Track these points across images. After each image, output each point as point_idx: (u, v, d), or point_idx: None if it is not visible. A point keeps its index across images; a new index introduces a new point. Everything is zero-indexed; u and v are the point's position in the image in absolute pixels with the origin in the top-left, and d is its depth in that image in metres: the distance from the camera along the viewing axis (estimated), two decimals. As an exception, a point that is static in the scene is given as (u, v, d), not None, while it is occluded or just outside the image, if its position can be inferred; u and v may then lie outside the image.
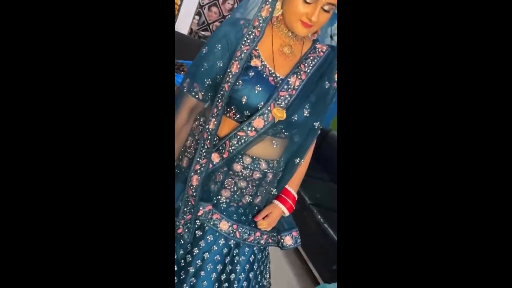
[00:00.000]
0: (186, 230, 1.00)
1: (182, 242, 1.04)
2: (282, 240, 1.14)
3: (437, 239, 0.52)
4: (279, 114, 0.93)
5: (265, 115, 0.93)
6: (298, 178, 1.13)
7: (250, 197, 1.05)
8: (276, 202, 1.10)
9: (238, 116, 0.96)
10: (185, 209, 0.99)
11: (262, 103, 0.93)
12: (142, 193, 0.54)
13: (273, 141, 1.00)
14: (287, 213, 1.12)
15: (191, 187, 0.97)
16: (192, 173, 0.97)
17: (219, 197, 1.03)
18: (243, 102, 0.92)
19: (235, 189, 1.03)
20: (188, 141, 1.04)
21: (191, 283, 1.03)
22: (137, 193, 0.54)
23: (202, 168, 0.96)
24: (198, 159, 0.97)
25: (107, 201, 0.53)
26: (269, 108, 0.93)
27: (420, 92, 0.54)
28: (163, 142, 0.57)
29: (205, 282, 1.03)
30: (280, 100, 0.94)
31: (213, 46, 0.94)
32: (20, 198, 0.49)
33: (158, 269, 0.54)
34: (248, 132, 0.95)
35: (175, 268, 1.05)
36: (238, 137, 0.96)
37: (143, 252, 0.54)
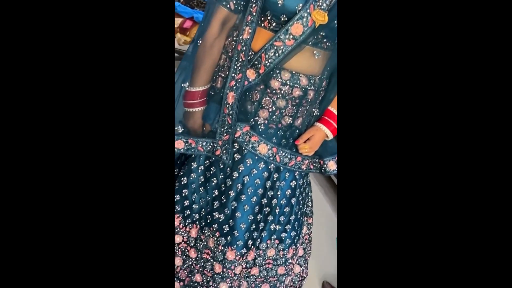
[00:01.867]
0: (224, 151, 0.96)
1: (222, 166, 1.01)
2: (325, 165, 1.07)
3: (436, 223, 0.50)
4: (320, 17, 0.83)
5: (304, 19, 0.83)
6: (341, 97, 1.04)
7: (290, 118, 0.98)
8: (318, 124, 1.02)
9: (274, 24, 0.86)
10: (222, 129, 0.94)
11: (300, 4, 0.82)
12: (142, 190, 0.52)
13: (314, 52, 0.90)
14: (330, 136, 1.04)
15: (227, 105, 0.91)
16: (228, 91, 0.90)
17: (257, 118, 0.97)
18: (279, 5, 0.82)
19: (274, 109, 0.96)
20: (222, 60, 0.96)
21: (232, 207, 1.00)
22: (137, 190, 0.52)
23: (237, 84, 0.89)
24: (233, 74, 0.89)
25: (106, 197, 0.51)
26: (308, 10, 0.82)
27: (420, 90, 0.51)
28: (163, 139, 0.54)
29: (246, 206, 1.00)
30: (320, 1, 0.83)
31: None
32: (20, 197, 0.48)
33: (158, 268, 0.53)
34: (286, 41, 0.85)
35: (216, 193, 1.03)
36: (275, 47, 0.87)
37: (142, 250, 0.52)
